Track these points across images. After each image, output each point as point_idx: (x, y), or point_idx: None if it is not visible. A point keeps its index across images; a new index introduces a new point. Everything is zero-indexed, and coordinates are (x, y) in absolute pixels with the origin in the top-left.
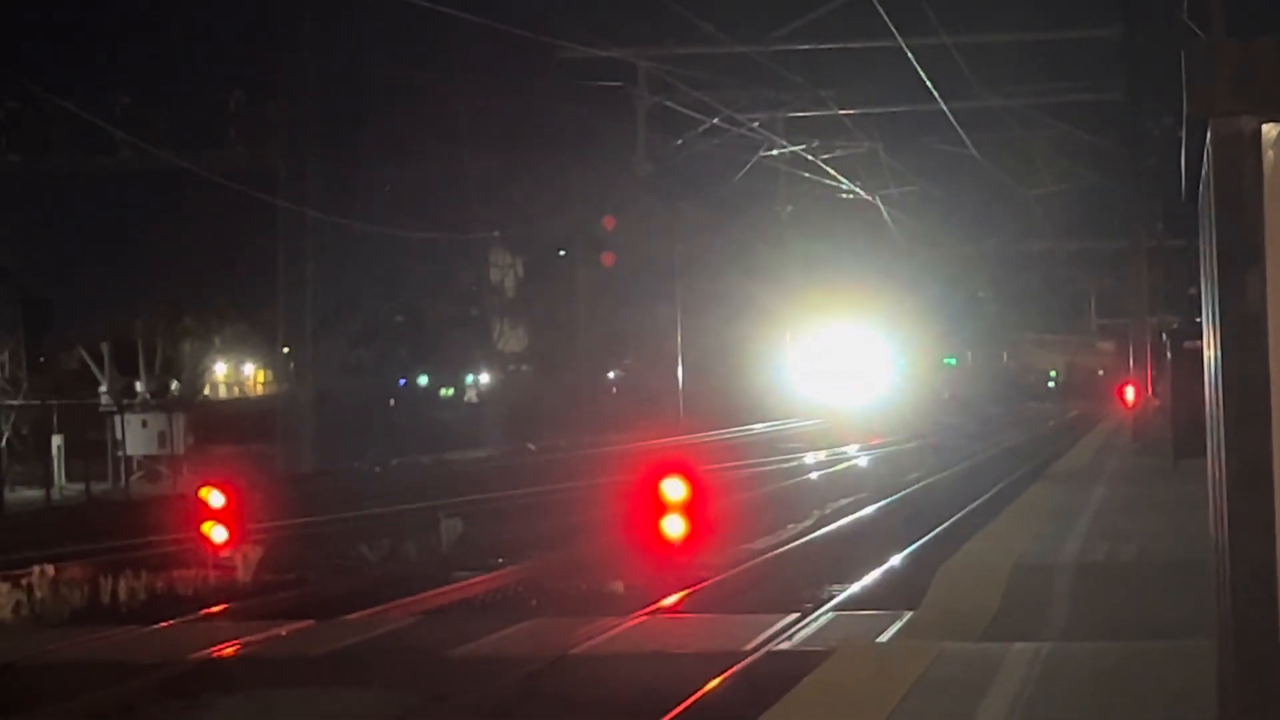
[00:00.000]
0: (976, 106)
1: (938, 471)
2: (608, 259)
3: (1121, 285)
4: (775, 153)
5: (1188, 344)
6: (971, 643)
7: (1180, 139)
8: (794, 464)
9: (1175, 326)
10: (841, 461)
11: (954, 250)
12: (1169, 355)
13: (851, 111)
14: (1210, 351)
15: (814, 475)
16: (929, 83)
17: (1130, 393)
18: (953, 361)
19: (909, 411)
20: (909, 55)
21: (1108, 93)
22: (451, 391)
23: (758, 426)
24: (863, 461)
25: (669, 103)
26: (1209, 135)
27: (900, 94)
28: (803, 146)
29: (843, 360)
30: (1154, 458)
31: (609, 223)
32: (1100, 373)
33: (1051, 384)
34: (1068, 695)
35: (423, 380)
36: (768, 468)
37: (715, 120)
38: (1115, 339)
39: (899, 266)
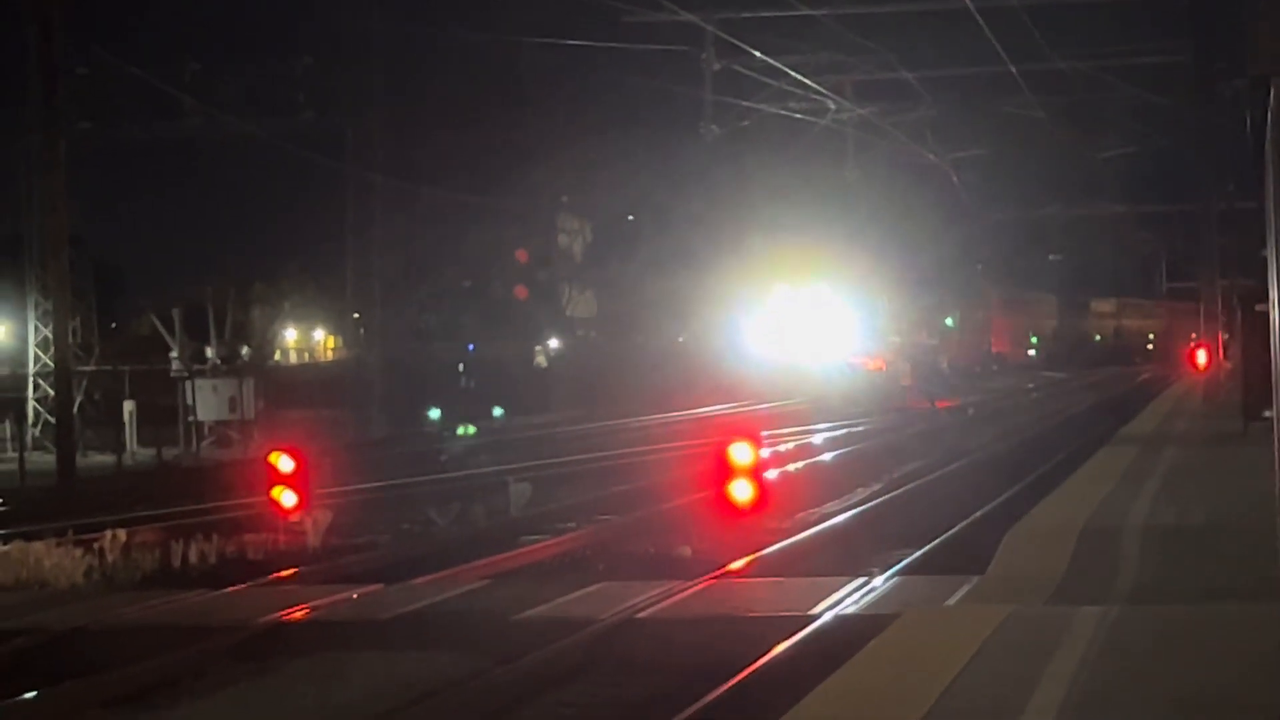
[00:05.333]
0: (1044, 69)
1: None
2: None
3: (1192, 248)
4: (844, 116)
5: (1259, 306)
6: (1039, 606)
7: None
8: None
9: (1246, 288)
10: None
11: (1022, 213)
12: (1239, 317)
13: (919, 75)
14: (1274, 311)
15: (879, 440)
16: (997, 45)
17: (1202, 355)
18: (950, 323)
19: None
20: (977, 18)
21: (1177, 54)
22: (473, 430)
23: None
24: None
25: (736, 66)
26: (1271, 95)
27: (968, 57)
28: (871, 110)
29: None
30: (1225, 420)
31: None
32: (1097, 338)
33: (1032, 351)
34: (1135, 658)
35: (434, 414)
36: (831, 434)
37: (783, 85)
38: (1115, 298)
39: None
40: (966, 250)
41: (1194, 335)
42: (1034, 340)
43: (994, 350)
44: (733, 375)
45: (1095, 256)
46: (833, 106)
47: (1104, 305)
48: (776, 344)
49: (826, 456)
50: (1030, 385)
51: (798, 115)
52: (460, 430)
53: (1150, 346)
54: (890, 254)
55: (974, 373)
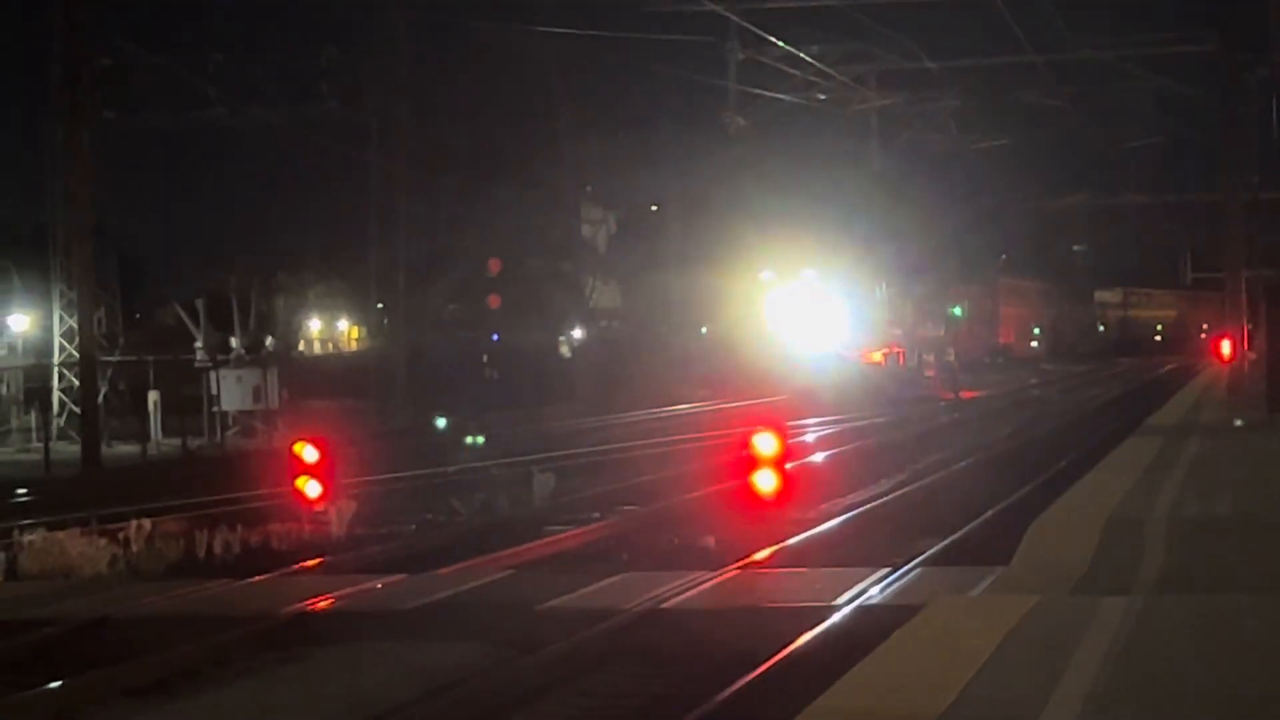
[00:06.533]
0: (1068, 58)
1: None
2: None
3: (1217, 239)
4: (867, 106)
5: None
6: (1064, 596)
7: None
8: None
9: (1272, 279)
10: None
11: (1043, 203)
12: (1265, 308)
13: (942, 64)
14: None
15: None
16: (1020, 34)
17: (1226, 346)
18: (958, 312)
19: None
20: (1001, 8)
21: (1202, 44)
22: (482, 439)
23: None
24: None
25: (760, 58)
26: None
27: (991, 47)
28: (894, 100)
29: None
30: (1250, 411)
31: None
32: (1100, 329)
33: (1035, 343)
34: (1161, 648)
35: (440, 422)
36: (858, 424)
37: (807, 75)
38: (1121, 288)
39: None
40: (983, 239)
41: (1205, 326)
42: (1036, 331)
43: (1001, 342)
44: (720, 370)
45: (1115, 246)
46: (856, 96)
47: (1109, 295)
48: (767, 336)
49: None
50: (1034, 381)
51: (820, 100)
52: (469, 440)
53: (1158, 338)
54: (903, 243)
55: (983, 364)
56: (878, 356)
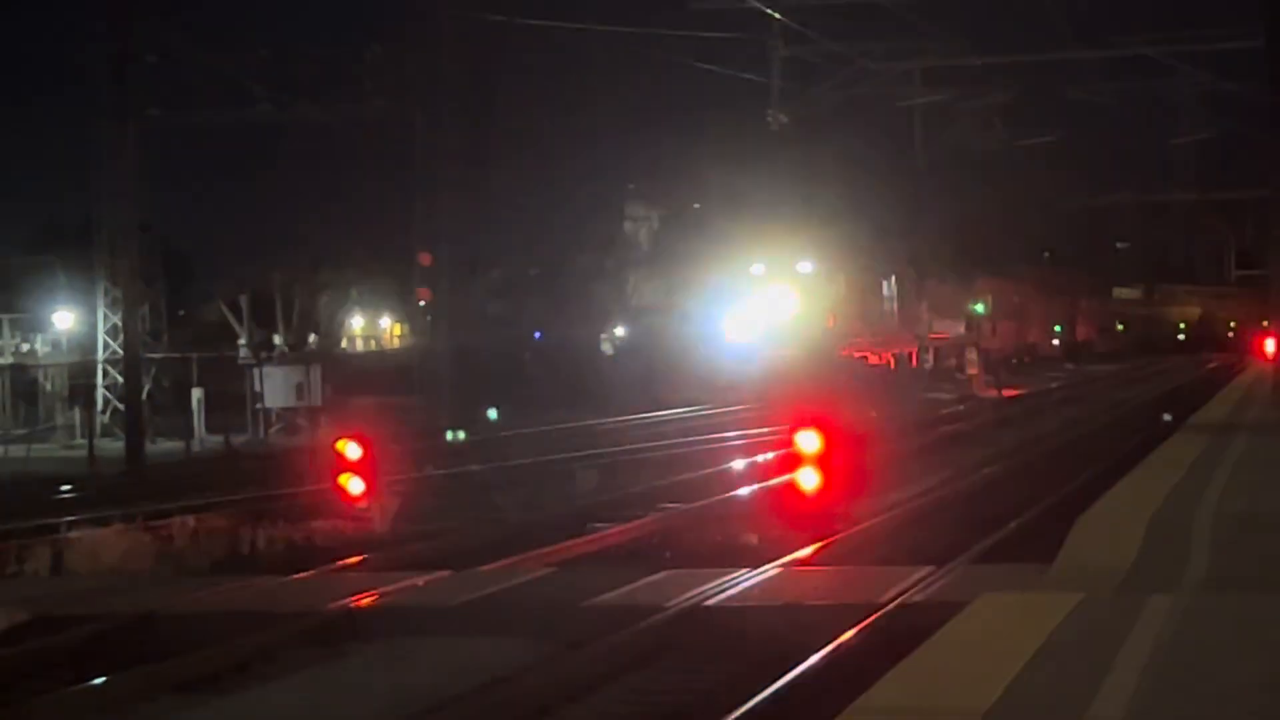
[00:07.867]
0: (1116, 55)
1: None
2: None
3: (1262, 235)
4: (912, 102)
5: None
6: (1109, 594)
7: None
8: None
9: None
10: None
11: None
12: None
13: (988, 60)
14: None
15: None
16: (1068, 30)
17: (1270, 345)
18: (980, 309)
19: None
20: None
21: (1249, 39)
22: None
23: None
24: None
25: (804, 55)
26: None
27: (1039, 43)
28: (938, 97)
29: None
30: None
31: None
32: (1120, 328)
33: (1056, 342)
34: (1207, 646)
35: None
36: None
37: (851, 71)
38: (1144, 281)
39: None
40: (1020, 234)
41: (1232, 324)
42: (1057, 329)
43: (1027, 340)
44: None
45: (1154, 243)
46: (900, 92)
47: (1128, 292)
48: (761, 335)
49: None
50: (1062, 382)
51: (864, 96)
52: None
53: (1180, 337)
54: (929, 239)
55: (1010, 364)
56: (883, 356)
